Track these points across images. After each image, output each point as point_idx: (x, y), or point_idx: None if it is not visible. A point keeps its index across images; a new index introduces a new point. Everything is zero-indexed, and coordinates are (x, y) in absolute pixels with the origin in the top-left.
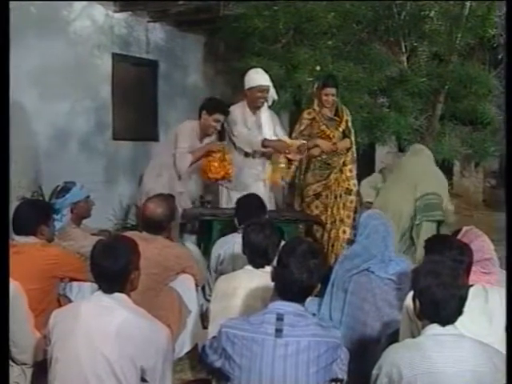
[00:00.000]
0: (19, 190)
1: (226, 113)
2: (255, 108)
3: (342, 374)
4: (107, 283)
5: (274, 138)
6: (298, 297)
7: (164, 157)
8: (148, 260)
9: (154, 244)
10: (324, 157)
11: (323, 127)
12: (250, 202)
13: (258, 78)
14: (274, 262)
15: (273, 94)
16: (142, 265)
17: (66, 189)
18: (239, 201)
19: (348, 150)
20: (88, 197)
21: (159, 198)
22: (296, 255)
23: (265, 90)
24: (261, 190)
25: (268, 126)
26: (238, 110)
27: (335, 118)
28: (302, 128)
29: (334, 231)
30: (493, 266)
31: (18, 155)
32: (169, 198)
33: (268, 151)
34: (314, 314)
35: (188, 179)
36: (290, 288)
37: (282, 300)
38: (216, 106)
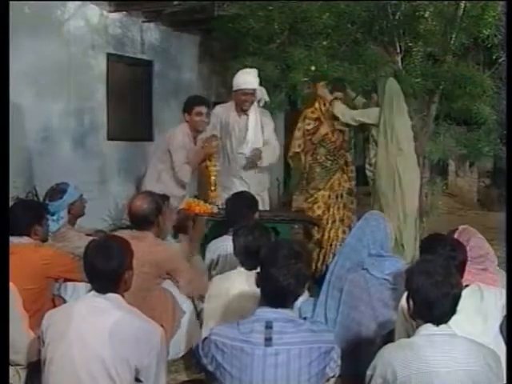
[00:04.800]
0: (14, 190)
1: (205, 102)
2: (241, 111)
3: (335, 372)
4: (100, 283)
5: (258, 143)
6: (287, 303)
7: (160, 164)
8: (138, 259)
9: (143, 242)
10: (328, 163)
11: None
12: (239, 202)
13: (241, 81)
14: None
15: (264, 95)
16: (133, 264)
17: (62, 190)
18: (228, 201)
19: (350, 150)
20: (81, 195)
21: (144, 194)
22: (278, 262)
23: (248, 93)
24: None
25: (253, 130)
26: (221, 110)
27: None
28: (310, 127)
29: (333, 231)
30: (491, 263)
31: (13, 155)
32: (154, 194)
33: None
34: (304, 318)
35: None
36: (277, 295)
37: (271, 307)
38: (192, 102)
